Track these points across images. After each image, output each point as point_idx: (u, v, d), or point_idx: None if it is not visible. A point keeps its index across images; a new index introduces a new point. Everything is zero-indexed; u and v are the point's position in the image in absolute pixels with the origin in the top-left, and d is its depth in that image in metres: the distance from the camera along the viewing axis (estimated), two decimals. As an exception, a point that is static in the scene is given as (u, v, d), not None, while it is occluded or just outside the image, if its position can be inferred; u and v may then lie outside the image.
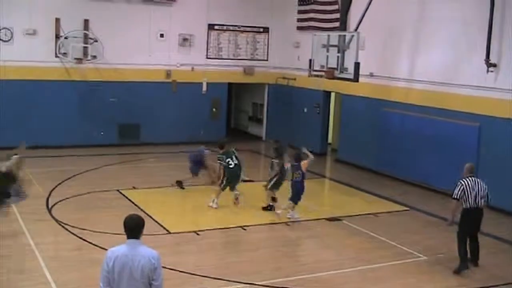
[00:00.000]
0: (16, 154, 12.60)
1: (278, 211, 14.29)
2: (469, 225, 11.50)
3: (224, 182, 15.11)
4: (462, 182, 11.33)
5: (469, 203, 11.28)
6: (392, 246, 12.76)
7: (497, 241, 13.45)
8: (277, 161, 14.89)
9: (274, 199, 14.86)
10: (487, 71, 15.84)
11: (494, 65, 15.72)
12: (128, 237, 6.25)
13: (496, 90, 15.77)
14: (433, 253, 12.38)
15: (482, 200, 11.39)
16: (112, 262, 6.16)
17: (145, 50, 22.58)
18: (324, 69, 17.17)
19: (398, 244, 12.80)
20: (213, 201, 14.92)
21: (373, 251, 12.44)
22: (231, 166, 15.06)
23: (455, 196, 11.31)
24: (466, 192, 11.26)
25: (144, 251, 6.22)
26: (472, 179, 11.39)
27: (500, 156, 15.62)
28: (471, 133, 16.40)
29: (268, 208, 14.84)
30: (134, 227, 6.25)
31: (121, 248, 6.23)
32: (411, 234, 13.71)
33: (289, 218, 14.07)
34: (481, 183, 11.42)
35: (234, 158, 15.16)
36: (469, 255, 11.71)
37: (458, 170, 12.23)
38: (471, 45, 16.45)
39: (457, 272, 11.34)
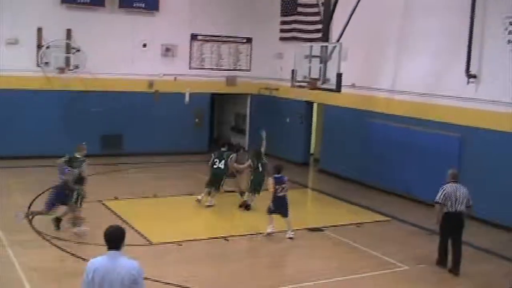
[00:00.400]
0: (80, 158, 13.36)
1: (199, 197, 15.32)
2: (449, 229, 12.05)
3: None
4: (444, 187, 11.93)
5: (449, 207, 11.84)
6: (375, 256, 12.79)
7: (478, 250, 13.53)
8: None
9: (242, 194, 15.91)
10: (468, 82, 15.99)
11: (474, 76, 15.88)
12: (109, 249, 6.19)
13: (476, 101, 15.92)
14: (416, 263, 12.44)
15: (462, 206, 11.86)
16: (92, 273, 6.12)
17: (128, 60, 22.54)
18: (307, 80, 17.23)
19: (381, 254, 12.84)
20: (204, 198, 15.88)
21: (355, 261, 12.47)
22: (214, 167, 15.89)
23: (438, 200, 11.90)
24: (447, 197, 11.82)
25: (124, 262, 6.16)
26: (454, 185, 11.94)
27: (481, 166, 15.74)
28: (453, 144, 16.52)
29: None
30: (114, 238, 6.19)
31: (101, 260, 6.18)
32: (394, 244, 13.75)
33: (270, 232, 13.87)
34: (463, 189, 11.94)
35: (221, 162, 15.88)
36: (450, 263, 12.03)
37: (440, 180, 12.61)
38: (452, 56, 16.60)
39: (438, 262, 12.25)
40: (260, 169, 15.80)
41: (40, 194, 15.85)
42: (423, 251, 13.16)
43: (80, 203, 13.25)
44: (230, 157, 16.15)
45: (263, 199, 14.76)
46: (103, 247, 6.20)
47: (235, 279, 11.30)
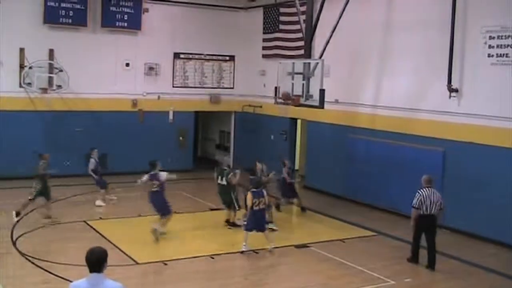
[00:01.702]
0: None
1: None
2: (422, 230, 13.14)
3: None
4: (420, 192, 13.03)
5: (423, 210, 12.93)
6: (361, 271, 12.79)
7: (463, 263, 13.59)
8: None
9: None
10: (450, 96, 16.13)
11: (456, 90, 16.03)
12: (90, 271, 6.01)
13: (459, 115, 16.06)
14: (401, 278, 12.45)
15: (436, 208, 12.98)
16: None
17: (111, 80, 22.56)
18: (290, 96, 17.27)
19: (367, 270, 12.84)
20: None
21: (341, 277, 12.47)
22: (218, 183, 16.22)
23: (414, 205, 12.98)
24: (422, 201, 12.91)
25: (106, 285, 5.99)
26: (429, 189, 13.05)
27: (465, 180, 15.84)
28: (436, 158, 16.61)
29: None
30: (95, 261, 5.99)
31: (82, 283, 6.02)
32: (380, 259, 13.77)
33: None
34: (437, 193, 13.08)
35: (223, 179, 16.06)
36: (427, 261, 13.09)
37: None
38: (433, 71, 16.76)
39: (409, 259, 13.35)
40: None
41: (24, 215, 15.75)
42: (409, 265, 13.20)
43: (35, 197, 15.71)
44: (232, 173, 16.16)
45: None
46: (87, 268, 6.09)
47: (222, 297, 11.25)
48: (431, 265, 12.98)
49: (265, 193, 13.97)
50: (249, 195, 13.86)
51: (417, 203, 12.90)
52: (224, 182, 16.07)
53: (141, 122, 23.22)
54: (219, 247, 14.13)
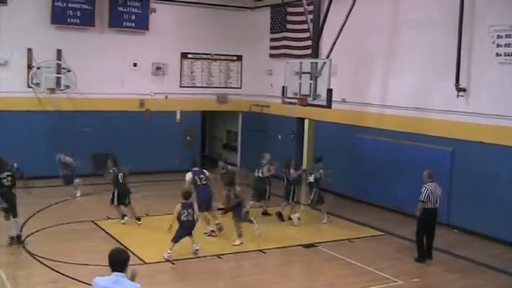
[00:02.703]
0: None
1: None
2: (426, 223, 13.48)
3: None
4: (427, 187, 13.32)
5: (429, 205, 13.28)
6: (368, 271, 12.78)
7: (470, 263, 13.56)
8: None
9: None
10: (457, 95, 16.08)
11: (464, 90, 15.97)
12: (113, 270, 6.23)
13: (466, 114, 16.00)
14: (409, 277, 12.43)
15: (439, 201, 13.38)
16: None
17: (119, 80, 22.58)
18: (297, 96, 17.28)
19: (374, 269, 12.82)
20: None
21: (349, 277, 12.45)
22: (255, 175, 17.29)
23: (422, 200, 13.28)
24: (430, 196, 13.25)
25: (125, 285, 6.19)
26: (433, 184, 13.38)
27: (473, 179, 15.79)
28: (444, 158, 16.56)
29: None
30: (116, 261, 6.24)
31: (104, 280, 6.23)
32: (387, 259, 13.74)
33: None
34: (438, 187, 13.45)
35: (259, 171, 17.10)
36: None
37: None
38: (441, 70, 16.71)
39: (418, 260, 13.44)
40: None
41: (32, 215, 15.80)
42: (417, 265, 13.17)
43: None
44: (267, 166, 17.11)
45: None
46: (95, 267, 6.15)
47: (229, 297, 11.26)
48: (430, 253, 13.53)
49: (194, 203, 13.79)
50: (177, 207, 13.39)
51: (425, 197, 13.23)
52: (260, 174, 17.00)
53: (147, 120, 23.20)
54: (226, 247, 14.12)
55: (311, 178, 16.73)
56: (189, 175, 15.40)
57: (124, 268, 6.26)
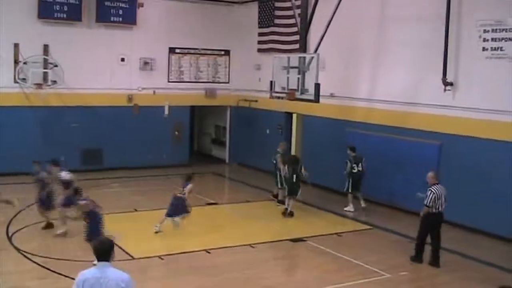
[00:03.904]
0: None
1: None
2: (431, 227, 12.90)
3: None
4: (433, 190, 12.65)
5: (435, 208, 12.68)
6: (357, 265, 12.83)
7: (459, 256, 13.66)
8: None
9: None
10: (445, 90, 16.14)
11: (451, 84, 16.04)
12: (98, 260, 6.35)
13: (454, 108, 16.08)
14: (397, 271, 12.48)
15: (444, 204, 12.77)
16: (82, 284, 6.24)
17: (106, 74, 22.51)
18: (285, 91, 17.28)
19: (363, 263, 12.87)
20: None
21: (338, 271, 12.49)
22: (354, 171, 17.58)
23: (428, 204, 12.63)
24: (436, 200, 12.62)
25: (113, 274, 6.30)
26: (438, 186, 12.75)
27: (461, 173, 15.87)
28: (432, 151, 16.63)
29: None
30: (102, 250, 6.35)
31: (91, 271, 6.32)
32: (375, 253, 13.79)
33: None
34: (444, 190, 12.83)
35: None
36: (430, 258, 12.93)
37: (421, 188, 13.11)
38: (428, 64, 16.76)
39: (413, 259, 13.00)
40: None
41: (20, 211, 15.74)
42: (406, 259, 13.21)
43: None
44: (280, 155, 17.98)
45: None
46: (83, 263, 6.18)
47: (218, 292, 11.26)
48: (436, 262, 12.88)
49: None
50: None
51: (431, 202, 12.63)
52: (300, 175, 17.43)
53: (135, 113, 23.13)
54: (215, 242, 14.13)
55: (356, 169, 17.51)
56: None
57: (109, 257, 6.36)
